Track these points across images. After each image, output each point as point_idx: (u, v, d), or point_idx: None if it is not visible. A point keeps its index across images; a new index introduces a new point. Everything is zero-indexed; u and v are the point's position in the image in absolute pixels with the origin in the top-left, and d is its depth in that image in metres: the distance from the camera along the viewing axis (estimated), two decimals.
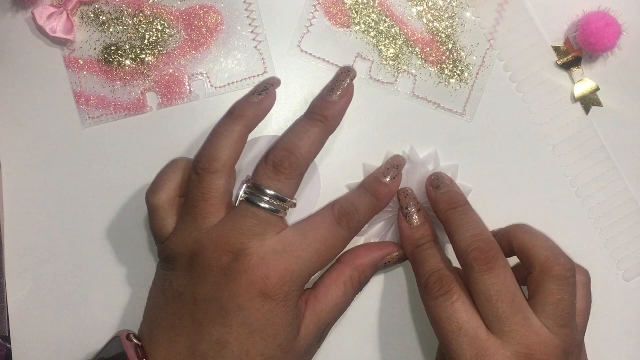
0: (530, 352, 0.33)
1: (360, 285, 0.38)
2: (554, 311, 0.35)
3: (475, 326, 0.34)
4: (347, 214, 0.36)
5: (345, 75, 0.38)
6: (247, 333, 0.33)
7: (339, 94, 0.37)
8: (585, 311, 0.38)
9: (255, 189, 0.35)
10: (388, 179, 0.38)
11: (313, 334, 0.36)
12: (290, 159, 0.35)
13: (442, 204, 0.38)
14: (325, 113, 0.37)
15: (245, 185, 0.36)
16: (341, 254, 0.39)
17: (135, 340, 0.35)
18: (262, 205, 0.35)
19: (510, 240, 0.37)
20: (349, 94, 0.38)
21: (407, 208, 0.39)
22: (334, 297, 0.37)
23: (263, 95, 0.37)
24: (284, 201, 0.35)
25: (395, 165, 0.39)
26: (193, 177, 0.36)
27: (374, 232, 0.42)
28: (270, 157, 0.36)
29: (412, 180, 0.41)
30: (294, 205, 0.36)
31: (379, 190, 0.38)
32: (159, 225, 0.37)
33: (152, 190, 0.37)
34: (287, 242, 0.35)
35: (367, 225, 0.42)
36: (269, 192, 0.35)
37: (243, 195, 0.35)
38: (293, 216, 0.42)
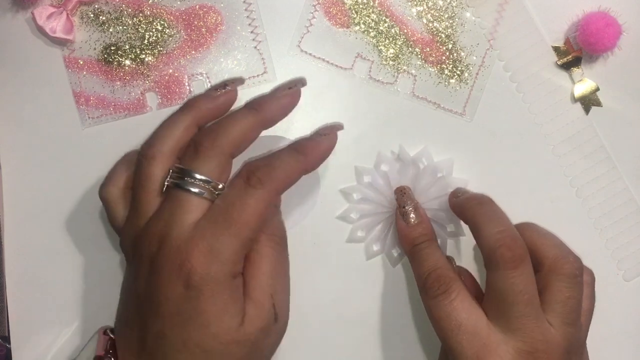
0: (534, 349, 0.33)
1: (280, 240, 0.36)
2: (562, 309, 0.35)
3: (474, 323, 0.34)
4: (255, 170, 0.33)
5: (296, 81, 0.38)
6: (180, 323, 0.32)
7: (282, 92, 0.37)
8: (589, 311, 0.38)
9: (178, 171, 0.34)
10: (321, 136, 0.37)
11: (262, 315, 0.33)
12: (210, 136, 0.34)
13: (470, 200, 0.38)
14: (261, 102, 0.36)
15: (170, 169, 0.34)
16: None
17: (110, 335, 0.35)
18: (185, 187, 0.33)
19: None
20: (293, 95, 0.37)
21: (404, 207, 0.39)
22: (266, 260, 0.34)
23: (220, 91, 0.37)
24: (208, 182, 0.33)
25: (330, 128, 0.39)
26: (136, 164, 0.36)
27: (374, 235, 0.42)
28: (193, 138, 0.35)
29: (405, 180, 0.41)
30: (221, 188, 0.34)
31: (303, 144, 0.36)
32: (112, 218, 0.37)
33: (103, 184, 0.37)
34: (202, 222, 0.33)
35: (364, 232, 0.42)
36: (192, 173, 0.33)
37: (168, 180, 0.34)
38: (292, 217, 0.42)
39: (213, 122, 0.36)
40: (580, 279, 0.36)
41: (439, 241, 0.40)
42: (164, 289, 0.32)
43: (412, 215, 0.39)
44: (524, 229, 0.38)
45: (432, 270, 0.36)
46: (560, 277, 0.35)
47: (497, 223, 0.36)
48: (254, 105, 0.36)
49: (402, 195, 0.40)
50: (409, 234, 0.39)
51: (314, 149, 0.36)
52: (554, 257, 0.36)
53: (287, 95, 0.37)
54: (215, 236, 0.32)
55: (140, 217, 0.34)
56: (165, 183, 0.34)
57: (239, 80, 0.38)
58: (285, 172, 0.34)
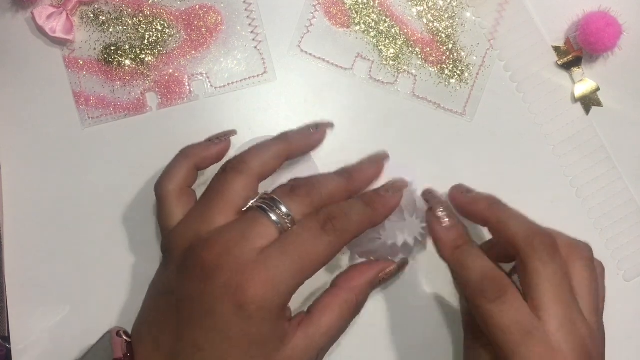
0: (585, 343, 0.32)
1: (356, 307, 0.37)
2: (588, 297, 0.34)
3: (536, 325, 0.32)
4: (332, 218, 0.34)
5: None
6: (221, 339, 0.32)
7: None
8: (603, 300, 0.37)
9: (270, 199, 0.35)
10: (389, 192, 0.37)
11: (302, 355, 0.34)
12: (308, 187, 0.35)
13: (483, 201, 0.37)
14: (353, 173, 0.38)
15: (260, 195, 0.36)
16: (336, 277, 0.37)
17: (124, 337, 0.35)
18: (271, 215, 0.34)
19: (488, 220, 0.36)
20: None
21: (437, 210, 0.37)
22: (329, 321, 0.35)
23: (314, 130, 0.40)
24: (288, 216, 0.34)
25: (397, 185, 0.38)
26: (218, 172, 0.36)
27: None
28: (291, 181, 0.36)
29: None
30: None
31: (373, 199, 0.36)
32: (165, 215, 0.36)
33: (160, 180, 0.37)
34: (270, 251, 0.33)
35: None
36: (281, 206, 0.34)
37: (255, 202, 0.35)
38: None
39: (310, 176, 0.37)
40: (593, 262, 0.35)
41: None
42: (213, 303, 0.32)
43: (445, 218, 0.37)
44: (492, 211, 0.37)
45: (485, 272, 0.34)
46: (580, 262, 0.35)
47: (520, 218, 0.35)
48: (346, 174, 0.38)
49: (433, 198, 0.38)
50: (447, 236, 0.36)
51: (383, 206, 0.36)
52: (568, 243, 0.35)
53: (377, 168, 0.39)
54: (279, 268, 0.33)
55: (204, 224, 0.34)
56: (250, 203, 0.35)
57: (329, 125, 0.41)
58: (358, 226, 0.35)
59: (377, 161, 0.40)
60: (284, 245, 0.33)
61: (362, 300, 0.37)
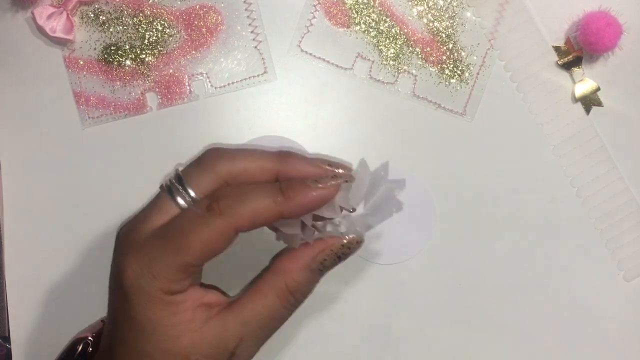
0: None
1: (294, 293, 0.32)
2: None
3: None
4: (221, 198, 0.31)
5: (343, 175, 0.32)
6: (113, 322, 0.32)
7: (319, 184, 0.32)
8: None
9: (176, 177, 0.32)
10: (319, 184, 0.32)
11: (210, 344, 0.31)
12: (230, 197, 0.31)
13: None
14: (294, 188, 0.31)
15: (175, 170, 0.33)
16: (271, 258, 0.33)
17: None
18: (178, 199, 0.31)
19: None
20: (330, 190, 0.32)
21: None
22: (255, 308, 0.32)
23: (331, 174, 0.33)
24: (194, 200, 0.31)
25: (336, 176, 0.32)
26: (199, 205, 0.32)
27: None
28: (219, 190, 0.32)
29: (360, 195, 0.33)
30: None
31: (292, 187, 0.31)
32: None
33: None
34: (157, 231, 0.31)
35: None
36: (186, 184, 0.31)
37: (166, 180, 0.32)
38: None
39: (241, 188, 0.32)
40: None
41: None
42: (111, 286, 0.32)
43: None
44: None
45: None
46: None
47: None
48: (282, 193, 0.31)
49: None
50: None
51: (300, 196, 0.31)
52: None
53: (325, 188, 0.31)
54: (154, 250, 0.31)
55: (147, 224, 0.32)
56: (163, 182, 0.33)
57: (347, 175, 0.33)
58: (253, 211, 0.30)
59: (332, 185, 0.32)
60: (165, 227, 0.31)
61: (300, 285, 0.32)
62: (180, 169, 0.33)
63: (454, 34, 0.43)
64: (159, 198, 0.32)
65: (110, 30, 0.42)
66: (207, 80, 0.43)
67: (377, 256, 0.42)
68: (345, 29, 0.43)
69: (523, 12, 0.43)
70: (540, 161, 0.43)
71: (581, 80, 0.43)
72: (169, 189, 0.32)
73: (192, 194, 0.31)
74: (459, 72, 0.43)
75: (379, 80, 0.43)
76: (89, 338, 0.38)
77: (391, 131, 0.43)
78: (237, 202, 0.30)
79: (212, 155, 0.32)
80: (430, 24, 0.43)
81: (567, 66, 0.43)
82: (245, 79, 0.43)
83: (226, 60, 0.43)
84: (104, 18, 0.42)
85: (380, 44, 0.43)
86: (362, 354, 0.42)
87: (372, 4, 0.43)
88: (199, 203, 0.31)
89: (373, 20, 0.43)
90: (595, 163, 0.43)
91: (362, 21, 0.43)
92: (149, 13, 0.43)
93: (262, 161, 0.32)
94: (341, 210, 0.32)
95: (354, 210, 0.33)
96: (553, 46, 0.43)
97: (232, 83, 0.43)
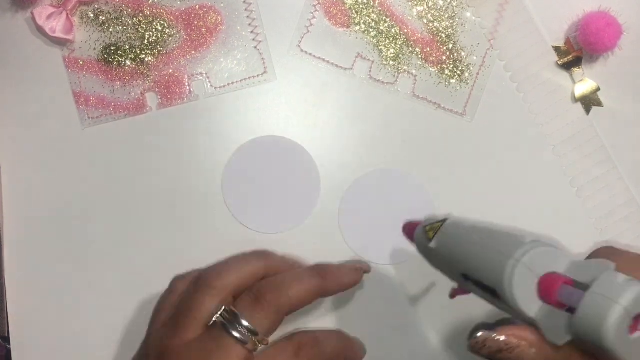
0: None
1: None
2: None
3: None
4: (305, 345, 0.34)
5: (363, 266, 0.39)
6: None
7: (349, 268, 0.38)
8: None
9: (230, 314, 0.34)
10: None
11: None
12: (272, 291, 0.34)
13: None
14: (327, 271, 0.36)
15: (224, 308, 0.34)
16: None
17: None
18: (231, 331, 0.33)
19: None
20: (357, 275, 0.38)
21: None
22: None
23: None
24: (254, 334, 0.33)
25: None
26: (190, 286, 0.35)
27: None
28: (256, 286, 0.35)
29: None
30: (266, 342, 0.34)
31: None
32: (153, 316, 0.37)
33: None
34: None
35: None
36: (243, 322, 0.33)
37: (218, 317, 0.34)
38: (292, 218, 0.42)
39: (278, 275, 0.35)
40: None
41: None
42: None
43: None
44: None
45: None
46: None
47: None
48: (320, 270, 0.36)
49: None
50: None
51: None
52: None
53: (353, 272, 0.38)
54: None
55: (175, 338, 0.34)
56: (214, 319, 0.34)
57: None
58: (330, 356, 0.35)
59: (357, 270, 0.38)
60: None
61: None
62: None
63: (453, 34, 0.43)
64: (219, 338, 0.33)
65: (110, 30, 0.42)
66: (207, 81, 0.43)
67: (377, 257, 0.42)
68: (345, 29, 0.43)
69: (523, 12, 0.43)
70: (540, 161, 0.43)
71: (581, 81, 0.43)
72: (225, 327, 0.33)
73: (254, 329, 0.33)
74: (459, 72, 0.43)
75: (379, 81, 0.43)
76: None
77: (391, 131, 0.43)
78: (317, 350, 0.35)
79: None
80: (430, 24, 0.43)
81: (567, 66, 0.43)
82: (245, 79, 0.43)
83: (226, 61, 0.43)
84: (103, 18, 0.42)
85: (380, 44, 0.43)
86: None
87: (372, 4, 0.43)
88: (285, 351, 0.34)
89: (373, 20, 0.43)
90: (595, 163, 0.43)
91: (362, 21, 0.43)
92: (148, 13, 0.43)
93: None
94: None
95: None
96: (553, 46, 0.43)
97: (232, 83, 0.43)
